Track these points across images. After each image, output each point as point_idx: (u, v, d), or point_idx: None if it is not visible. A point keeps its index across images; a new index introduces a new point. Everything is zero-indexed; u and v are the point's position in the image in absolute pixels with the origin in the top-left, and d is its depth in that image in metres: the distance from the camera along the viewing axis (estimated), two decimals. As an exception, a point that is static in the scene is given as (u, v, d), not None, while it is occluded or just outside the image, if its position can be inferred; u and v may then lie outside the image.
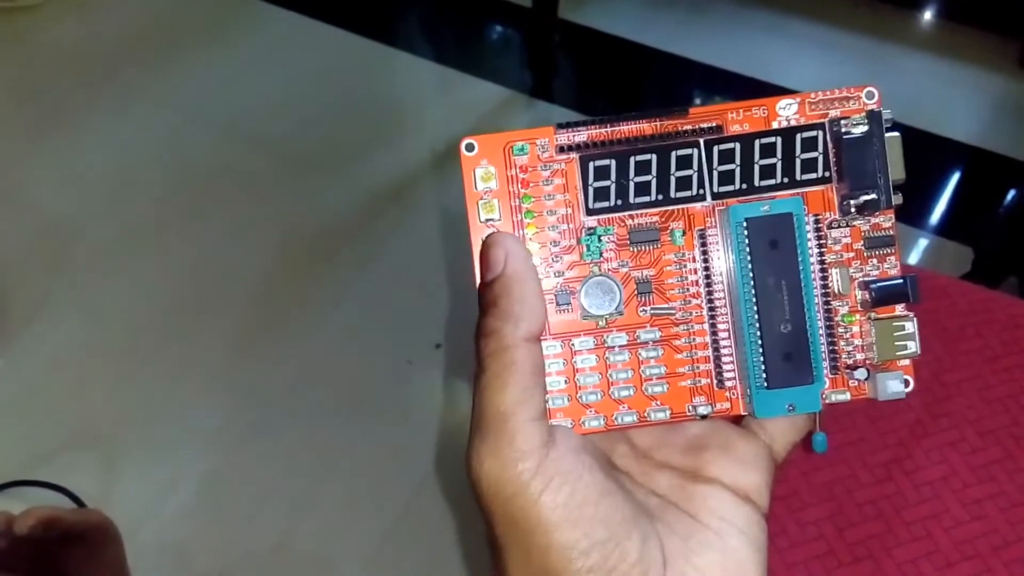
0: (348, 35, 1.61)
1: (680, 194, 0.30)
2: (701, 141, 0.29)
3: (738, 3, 1.68)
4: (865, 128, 0.29)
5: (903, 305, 0.29)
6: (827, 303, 0.29)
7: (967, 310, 0.67)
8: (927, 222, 1.30)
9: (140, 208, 1.32)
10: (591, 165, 0.29)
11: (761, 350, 0.28)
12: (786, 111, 0.30)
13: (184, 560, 0.97)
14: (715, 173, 0.30)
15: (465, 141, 0.29)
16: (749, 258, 0.28)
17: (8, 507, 0.67)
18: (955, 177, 1.38)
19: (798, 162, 0.29)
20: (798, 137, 0.29)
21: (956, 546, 0.55)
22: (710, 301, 0.30)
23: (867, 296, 0.29)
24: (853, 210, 0.29)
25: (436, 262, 1.23)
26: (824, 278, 0.29)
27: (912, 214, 1.29)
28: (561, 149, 0.30)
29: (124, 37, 1.60)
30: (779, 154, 0.29)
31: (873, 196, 0.28)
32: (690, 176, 0.30)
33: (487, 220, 0.29)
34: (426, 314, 1.18)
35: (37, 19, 1.64)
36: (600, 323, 0.30)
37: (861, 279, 0.29)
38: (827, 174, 0.30)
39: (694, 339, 0.30)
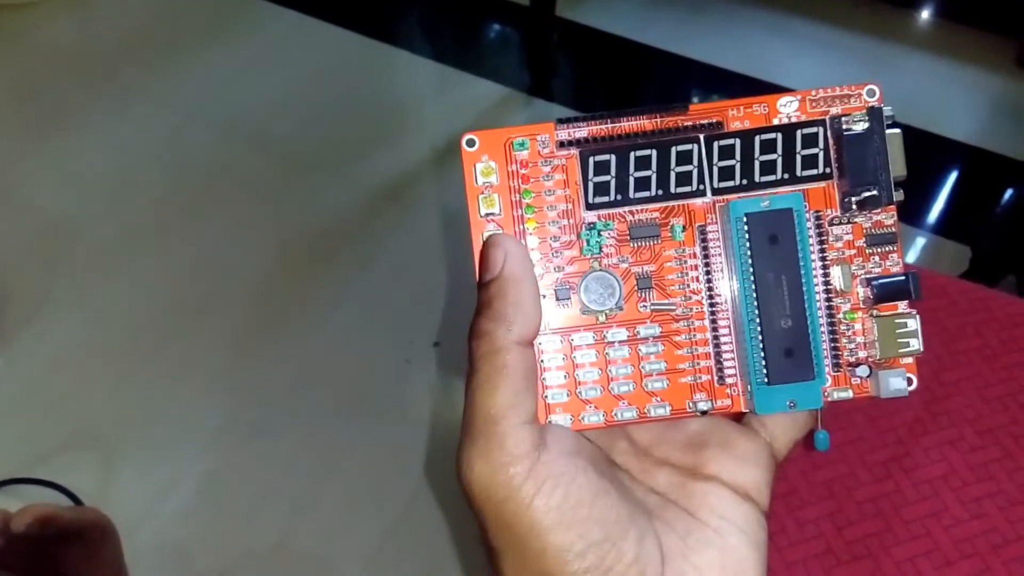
0: (347, 34, 1.61)
1: (680, 189, 0.29)
2: (701, 137, 0.29)
3: (737, 2, 1.68)
4: (866, 125, 0.29)
5: (905, 302, 0.29)
6: (829, 300, 0.29)
7: (966, 309, 0.67)
8: (926, 221, 1.30)
9: (140, 208, 1.32)
10: (591, 160, 0.29)
11: (762, 346, 0.28)
12: (787, 108, 0.30)
13: (183, 560, 0.97)
14: (715, 169, 0.29)
15: (466, 137, 0.29)
16: (749, 253, 0.28)
17: (5, 505, 0.66)
18: (953, 176, 1.38)
19: (799, 158, 0.29)
20: (799, 133, 0.29)
21: (955, 544, 0.55)
22: (711, 297, 0.30)
23: (869, 293, 0.29)
24: (854, 207, 0.29)
25: (435, 261, 1.23)
26: (826, 275, 0.29)
27: (911, 213, 1.30)
28: (561, 144, 0.30)
29: (123, 36, 1.60)
30: (779, 150, 0.29)
31: (874, 192, 0.28)
32: (690, 172, 0.29)
33: (487, 214, 0.29)
34: (424, 313, 1.18)
35: (35, 18, 1.64)
36: (600, 318, 0.29)
37: (863, 276, 0.29)
38: (828, 170, 0.29)
39: (694, 335, 0.30)
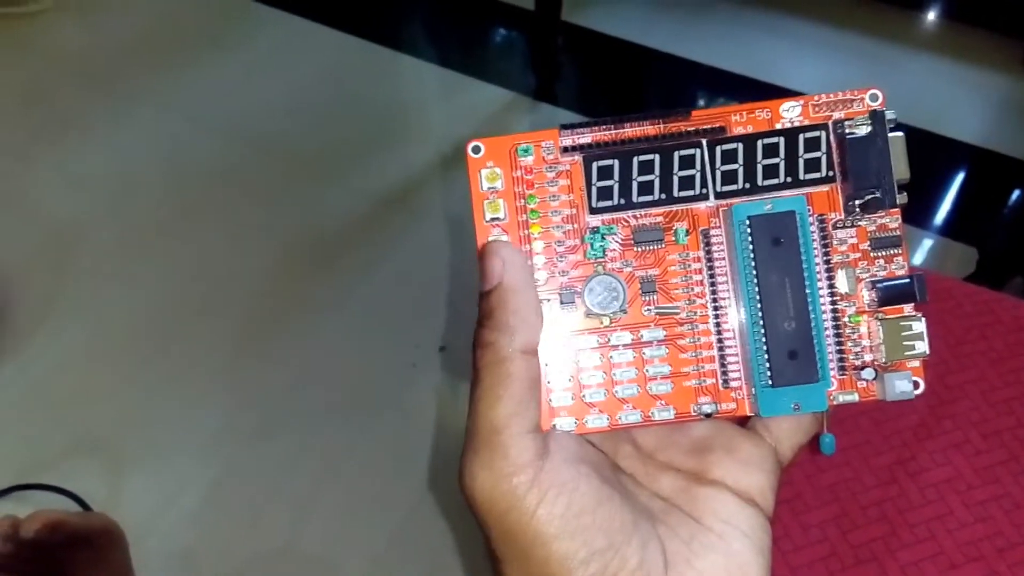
0: (351, 39, 1.61)
1: (683, 193, 0.30)
2: (704, 141, 0.30)
3: (740, 5, 1.68)
4: (868, 128, 0.29)
5: (911, 305, 0.29)
6: (834, 304, 0.29)
7: (972, 312, 0.67)
8: (931, 223, 1.29)
9: (143, 212, 1.33)
10: (595, 165, 0.30)
11: (765, 348, 0.28)
12: (790, 113, 0.30)
13: (191, 564, 0.97)
14: (718, 173, 0.30)
15: (472, 144, 0.30)
16: (752, 256, 0.28)
17: (13, 511, 0.67)
18: (959, 178, 1.37)
19: (801, 162, 0.29)
20: (801, 137, 0.29)
21: (960, 548, 0.55)
22: (714, 300, 0.30)
23: (874, 296, 0.29)
24: (858, 210, 0.29)
25: (440, 265, 1.23)
26: (830, 278, 0.29)
27: (916, 215, 1.29)
28: (565, 150, 0.30)
29: (127, 42, 1.61)
30: (782, 154, 0.29)
31: (877, 195, 0.28)
32: (693, 176, 0.30)
33: (492, 220, 0.30)
34: (430, 317, 1.18)
35: (41, 25, 1.65)
36: (604, 322, 0.30)
37: (868, 279, 0.29)
38: (831, 173, 0.30)
39: (698, 339, 0.30)
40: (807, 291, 0.28)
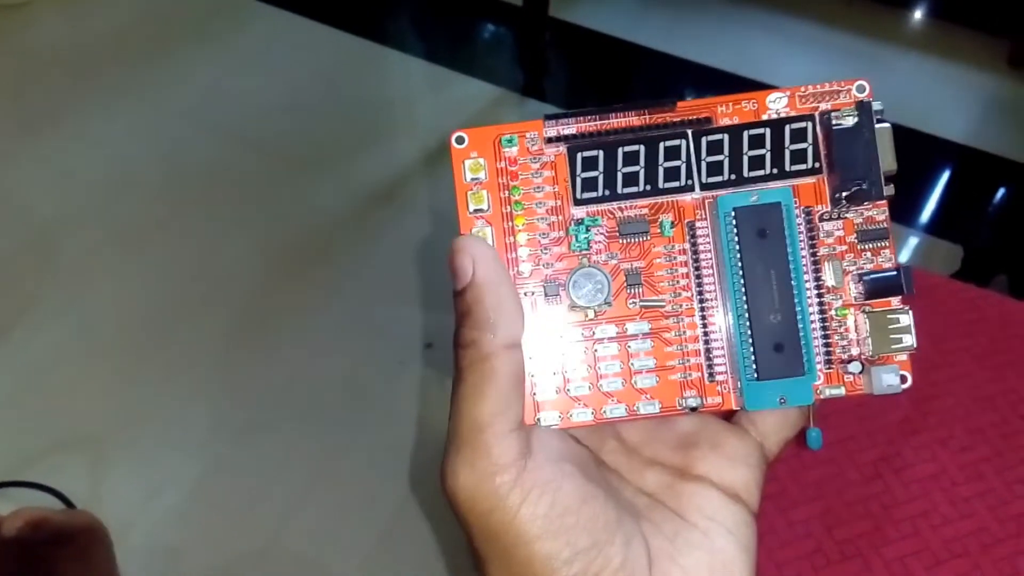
0: (338, 33, 1.61)
1: (668, 185, 0.29)
2: (689, 132, 0.29)
3: (730, 1, 1.68)
4: (855, 119, 0.29)
5: (898, 298, 0.29)
6: (820, 297, 0.29)
7: (957, 309, 0.67)
8: (917, 220, 1.30)
9: (129, 208, 1.31)
10: (579, 156, 0.29)
11: (751, 341, 0.28)
12: (776, 104, 0.29)
13: (175, 562, 0.97)
14: (703, 164, 0.29)
15: (455, 134, 0.29)
16: (738, 248, 0.28)
17: (-5, 508, 0.66)
18: (945, 175, 1.38)
19: (787, 153, 0.29)
20: (787, 128, 0.29)
21: (945, 544, 0.55)
22: (700, 294, 0.29)
23: (861, 289, 0.29)
24: (844, 202, 0.29)
25: (427, 261, 1.23)
26: (817, 271, 0.29)
27: (902, 212, 1.30)
28: (550, 140, 0.29)
29: (114, 36, 1.60)
30: (768, 145, 0.29)
31: (863, 186, 0.28)
32: (678, 167, 0.29)
33: (476, 211, 0.29)
34: (417, 314, 1.17)
35: (25, 17, 1.63)
36: (588, 315, 0.29)
37: (855, 272, 0.29)
38: (816, 165, 0.29)
39: (684, 332, 0.29)
40: (793, 284, 0.28)
